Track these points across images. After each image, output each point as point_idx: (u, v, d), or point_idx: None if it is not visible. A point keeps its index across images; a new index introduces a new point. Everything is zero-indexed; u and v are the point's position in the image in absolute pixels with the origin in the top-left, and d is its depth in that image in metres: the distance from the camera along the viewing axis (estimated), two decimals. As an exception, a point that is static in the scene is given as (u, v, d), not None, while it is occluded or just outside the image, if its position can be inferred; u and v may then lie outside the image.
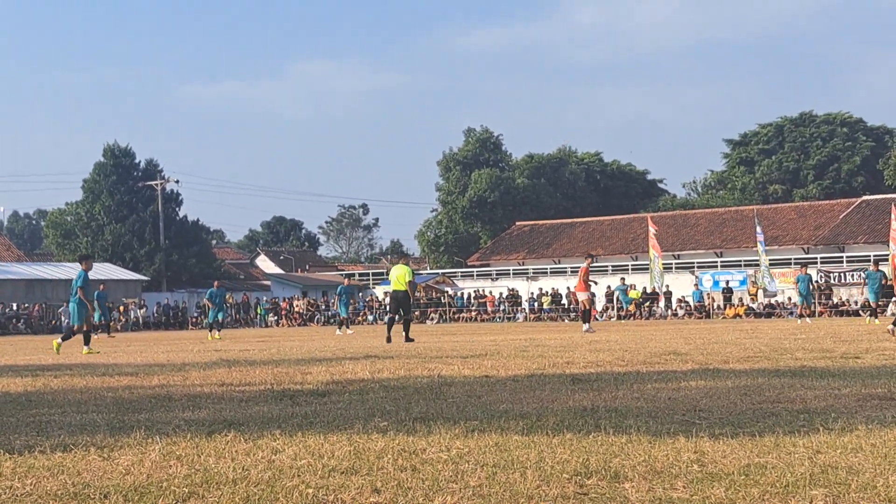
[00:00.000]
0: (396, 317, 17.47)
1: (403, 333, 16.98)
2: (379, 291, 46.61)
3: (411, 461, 3.69)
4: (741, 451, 3.75)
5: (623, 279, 41.03)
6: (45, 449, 4.25)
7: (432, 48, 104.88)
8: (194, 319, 46.46)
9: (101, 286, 28.30)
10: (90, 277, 16.54)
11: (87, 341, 15.89)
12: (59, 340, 16.09)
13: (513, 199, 57.62)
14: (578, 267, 22.65)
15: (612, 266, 45.18)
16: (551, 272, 47.16)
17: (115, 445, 4.38)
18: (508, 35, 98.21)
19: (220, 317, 24.95)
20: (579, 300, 21.18)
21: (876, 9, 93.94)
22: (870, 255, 35.07)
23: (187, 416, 5.72)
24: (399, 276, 17.06)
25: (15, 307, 43.30)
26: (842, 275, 38.50)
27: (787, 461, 3.49)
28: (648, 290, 40.31)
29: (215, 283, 25.29)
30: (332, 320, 41.60)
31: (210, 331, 24.49)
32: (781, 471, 3.28)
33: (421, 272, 47.82)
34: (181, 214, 57.54)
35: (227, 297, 34.25)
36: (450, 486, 3.16)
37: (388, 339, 16.78)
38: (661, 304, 40.27)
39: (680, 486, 3.12)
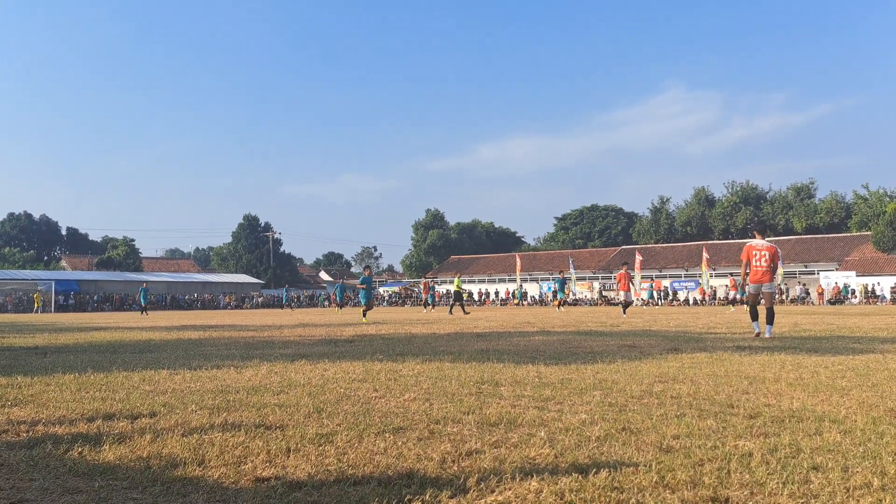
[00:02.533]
0: (455, 303, 34.30)
1: (462, 310, 34.83)
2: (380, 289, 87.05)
3: (394, 375, 7.42)
4: (559, 372, 7.65)
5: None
6: (207, 367, 8.22)
7: (412, 168, 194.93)
8: (286, 304, 73.29)
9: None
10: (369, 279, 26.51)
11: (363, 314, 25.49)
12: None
13: (449, 245, 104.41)
14: (484, 279, 37.50)
15: (498, 279, 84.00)
16: (468, 282, 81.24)
17: (243, 366, 8.34)
18: (450, 163, 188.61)
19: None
20: (623, 296, 29.79)
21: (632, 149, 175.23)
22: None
23: (281, 352, 10.12)
24: (456, 282, 34.88)
25: (196, 296, 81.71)
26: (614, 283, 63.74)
27: (582, 377, 7.11)
28: (512, 291, 75.13)
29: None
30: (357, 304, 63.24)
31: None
32: (578, 381, 6.74)
33: (404, 281, 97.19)
34: (282, 250, 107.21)
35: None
36: (413, 388, 6.50)
37: (450, 312, 32.65)
38: (527, 298, 74.26)
39: (528, 389, 6.29)
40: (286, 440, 4.10)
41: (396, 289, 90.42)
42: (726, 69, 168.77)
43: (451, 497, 3.00)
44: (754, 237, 13.36)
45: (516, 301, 73.82)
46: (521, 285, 74.23)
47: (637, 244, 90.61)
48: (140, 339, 13.93)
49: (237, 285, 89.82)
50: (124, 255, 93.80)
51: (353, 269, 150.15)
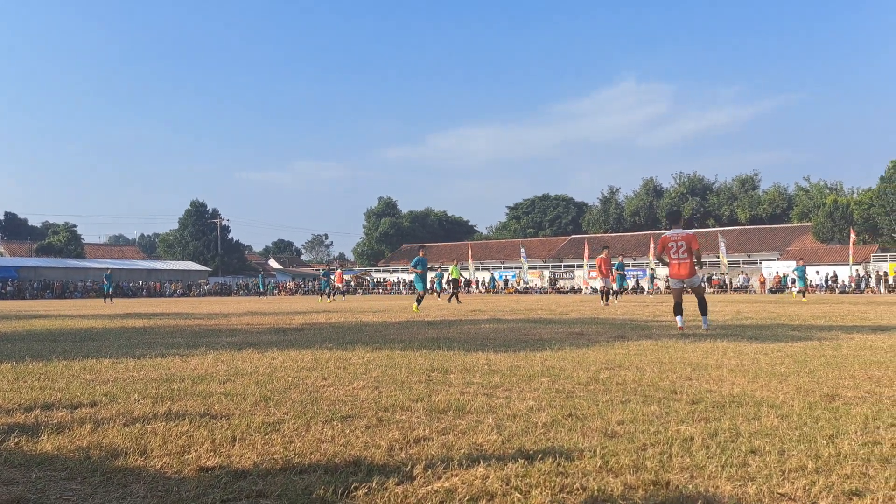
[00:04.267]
0: (452, 290, 31.64)
1: (455, 298, 30.54)
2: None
3: (343, 363, 7.39)
4: (508, 359, 7.69)
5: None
6: (151, 356, 8.07)
7: (366, 156, 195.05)
8: (235, 292, 77.61)
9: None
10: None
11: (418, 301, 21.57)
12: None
13: (401, 233, 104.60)
14: (436, 267, 41.86)
15: (451, 266, 75.85)
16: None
17: (188, 355, 8.20)
18: (404, 151, 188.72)
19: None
20: (602, 283, 27.40)
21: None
22: (573, 264, 75.59)
23: (228, 340, 9.94)
24: (452, 269, 33.14)
25: (141, 283, 79.82)
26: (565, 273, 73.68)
27: (530, 364, 7.16)
28: (466, 278, 68.84)
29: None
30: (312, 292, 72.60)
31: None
32: (527, 369, 6.79)
33: (355, 269, 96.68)
34: (230, 237, 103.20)
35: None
36: (362, 377, 6.47)
37: (448, 300, 29.99)
38: (472, 286, 73.86)
39: (477, 376, 6.30)
40: (232, 429, 4.05)
41: (349, 277, 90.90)
42: (679, 63, 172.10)
43: (397, 484, 3.00)
44: (669, 228, 12.65)
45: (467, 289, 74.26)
46: (472, 270, 75.49)
47: (587, 233, 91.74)
48: (81, 328, 13.59)
49: (184, 273, 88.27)
50: (65, 241, 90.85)
51: (303, 257, 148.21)
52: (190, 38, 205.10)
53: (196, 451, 3.58)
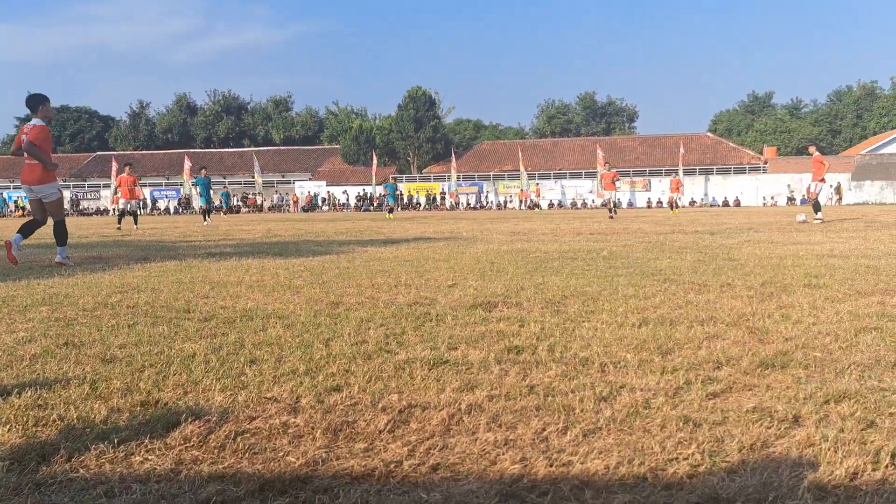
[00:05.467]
0: None
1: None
2: None
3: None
4: (5, 288, 6.88)
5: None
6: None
7: None
8: None
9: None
10: None
11: None
12: None
13: None
14: None
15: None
16: None
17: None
18: None
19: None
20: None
21: None
22: (99, 183, 65.92)
23: None
24: None
25: None
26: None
27: (31, 293, 6.52)
28: None
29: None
30: None
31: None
32: (25, 298, 6.09)
33: None
34: None
35: None
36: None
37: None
38: None
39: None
40: None
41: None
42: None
43: None
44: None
45: None
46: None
47: (114, 150, 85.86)
48: None
49: None
50: None
51: None
52: None
53: None
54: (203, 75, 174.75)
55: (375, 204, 64.75)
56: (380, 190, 53.54)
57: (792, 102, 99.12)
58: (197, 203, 36.31)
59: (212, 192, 29.27)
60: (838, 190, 60.48)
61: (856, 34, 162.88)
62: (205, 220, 27.24)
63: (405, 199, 66.84)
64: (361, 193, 67.99)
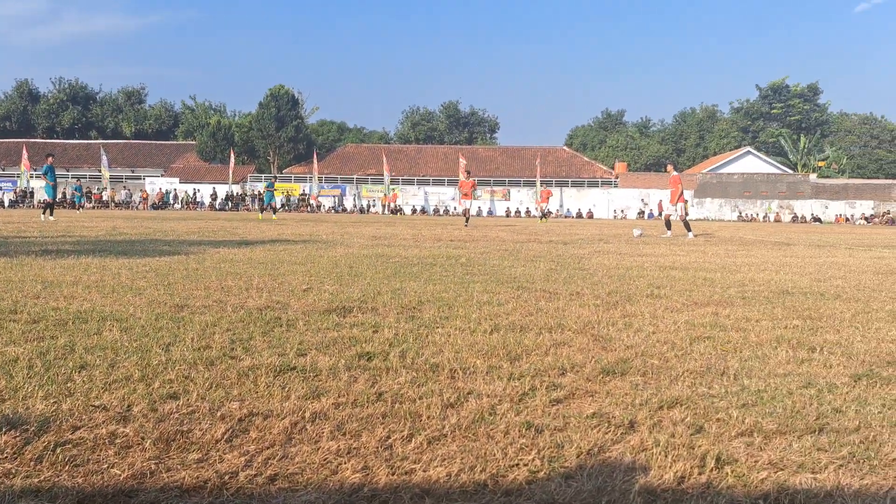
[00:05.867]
0: None
1: None
2: None
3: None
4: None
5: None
6: None
7: None
8: None
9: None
10: None
11: None
12: None
13: None
14: None
15: None
16: None
17: None
18: None
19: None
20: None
21: None
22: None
23: None
24: None
25: None
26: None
27: None
28: None
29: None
30: None
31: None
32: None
33: None
34: None
35: None
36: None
37: None
38: None
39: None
40: None
41: None
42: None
43: None
44: None
45: None
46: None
47: (-56, 137, 79.11)
48: None
49: None
50: None
51: None
52: None
53: None
54: (45, 61, 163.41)
55: (232, 203, 62.89)
56: (260, 188, 51.26)
57: (642, 121, 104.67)
58: (41, 195, 33.28)
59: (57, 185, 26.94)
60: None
61: (701, 60, 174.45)
62: (48, 214, 24.97)
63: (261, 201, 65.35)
64: (216, 192, 65.86)
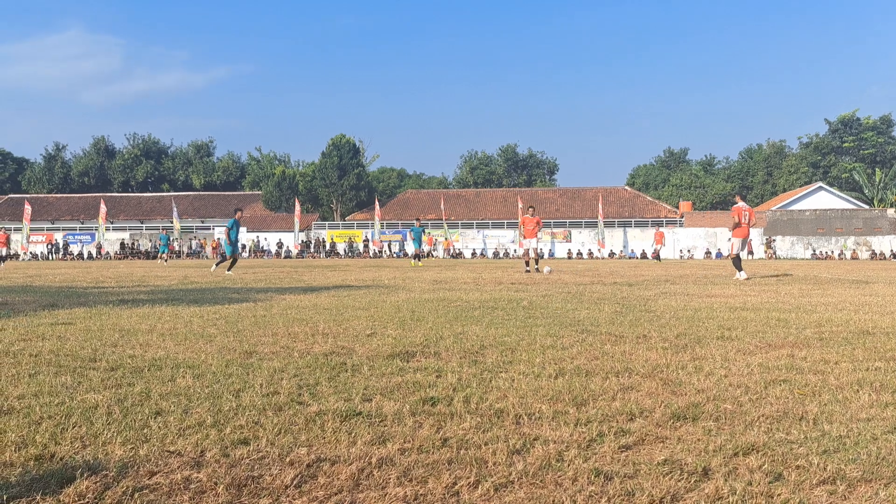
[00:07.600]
0: None
1: None
2: None
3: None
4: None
5: None
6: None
7: None
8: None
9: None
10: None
11: None
12: None
13: None
14: None
15: None
16: None
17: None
18: None
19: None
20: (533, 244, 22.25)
21: None
22: (11, 227, 52.02)
23: None
24: None
25: None
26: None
27: None
28: None
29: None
30: None
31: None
32: None
33: None
34: None
35: None
36: None
37: None
38: None
39: None
40: None
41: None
42: (130, 17, 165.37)
43: None
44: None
45: None
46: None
47: (27, 193, 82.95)
48: None
49: None
50: None
51: None
52: None
53: None
54: (119, 118, 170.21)
55: (298, 251, 64.09)
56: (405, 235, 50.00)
57: (706, 158, 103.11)
58: (221, 250, 33.05)
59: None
60: (768, 244, 63.17)
61: (766, 94, 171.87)
62: (226, 268, 21.89)
63: (328, 247, 66.44)
64: (281, 241, 67.26)
